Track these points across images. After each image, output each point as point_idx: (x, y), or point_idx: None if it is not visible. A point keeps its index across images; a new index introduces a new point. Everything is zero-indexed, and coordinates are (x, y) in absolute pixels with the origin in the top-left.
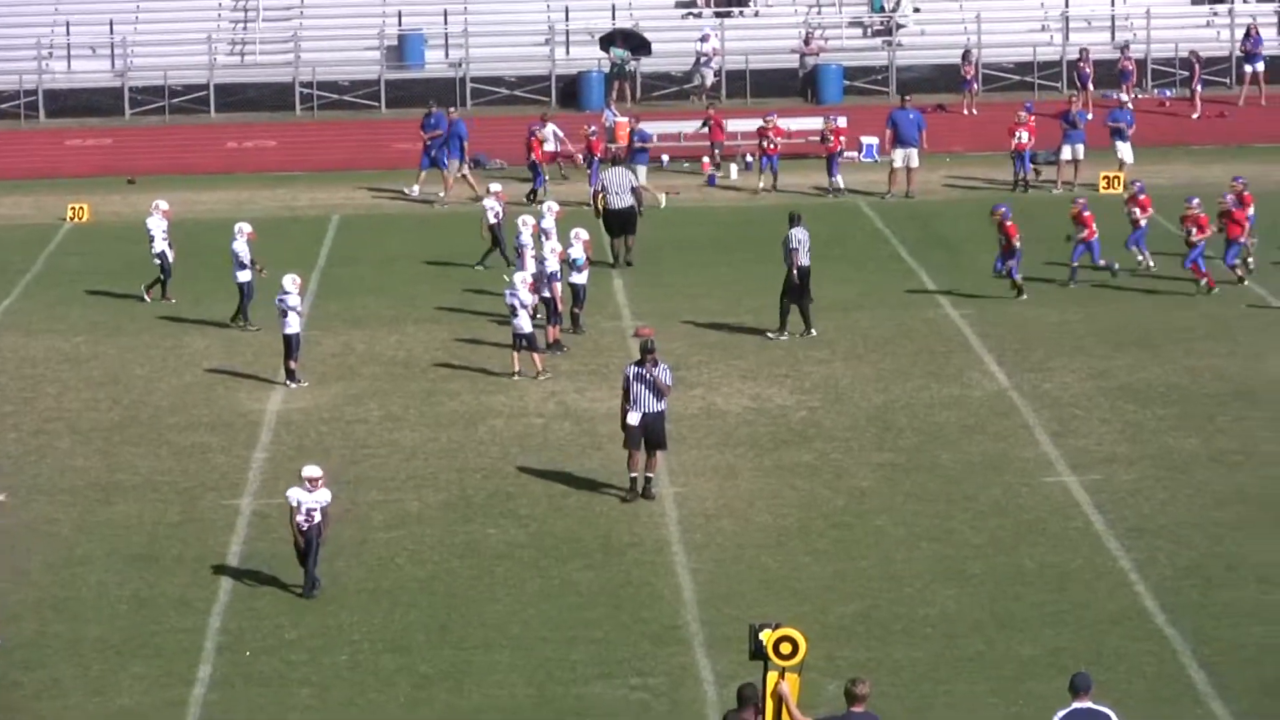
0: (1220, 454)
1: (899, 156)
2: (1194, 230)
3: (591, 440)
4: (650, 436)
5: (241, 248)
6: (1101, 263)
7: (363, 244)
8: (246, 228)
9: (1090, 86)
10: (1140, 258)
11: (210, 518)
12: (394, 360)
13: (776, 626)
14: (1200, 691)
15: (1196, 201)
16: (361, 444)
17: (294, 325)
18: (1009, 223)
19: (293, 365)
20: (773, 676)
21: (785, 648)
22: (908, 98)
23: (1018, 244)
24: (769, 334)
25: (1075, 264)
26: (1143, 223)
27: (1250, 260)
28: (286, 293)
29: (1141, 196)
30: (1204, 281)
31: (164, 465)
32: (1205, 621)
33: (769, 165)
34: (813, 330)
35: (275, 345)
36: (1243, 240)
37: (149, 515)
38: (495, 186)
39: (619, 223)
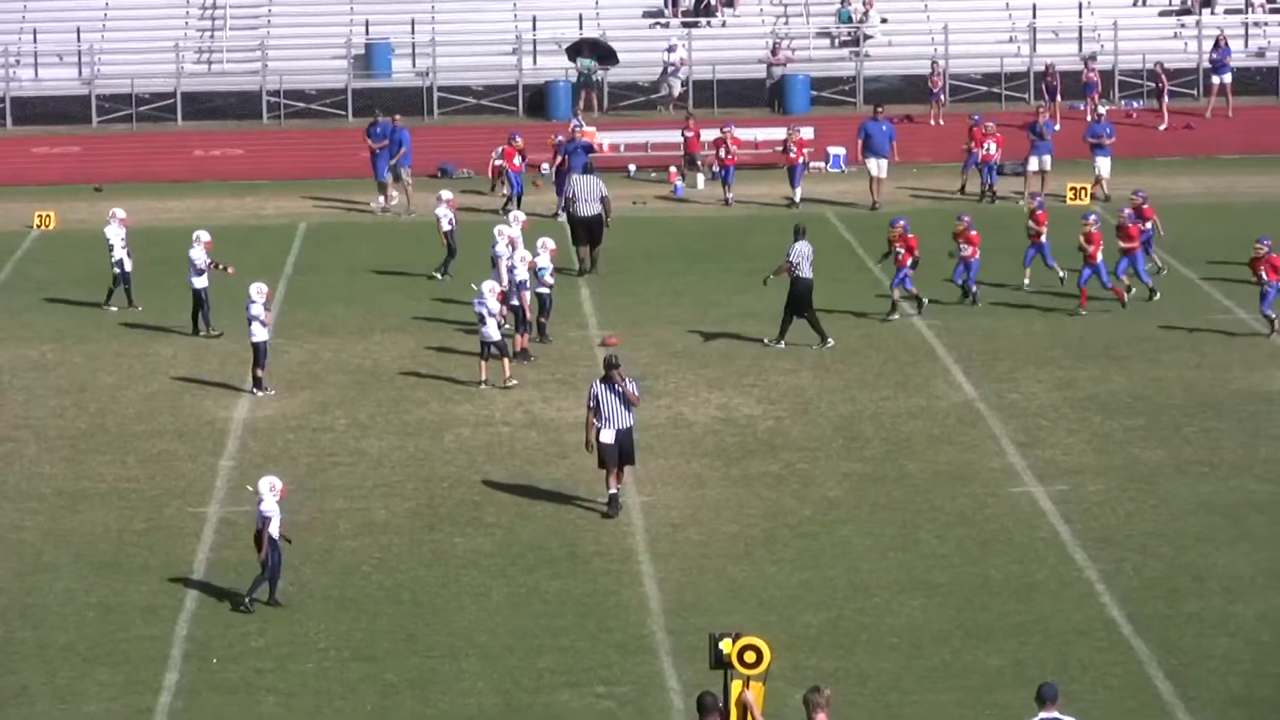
0: (1186, 465)
1: (873, 165)
2: (1091, 248)
3: (558, 449)
4: (623, 453)
5: (199, 255)
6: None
7: (330, 252)
8: (205, 236)
9: (1058, 98)
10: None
11: (177, 525)
12: (361, 369)
13: (736, 636)
14: (1166, 702)
15: (1093, 218)
16: (328, 452)
17: (260, 334)
18: (910, 235)
19: (260, 373)
20: (737, 685)
21: (750, 656)
22: (880, 109)
23: (917, 255)
24: (766, 340)
25: (959, 283)
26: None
27: (1161, 271)
28: (253, 301)
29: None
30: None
31: (131, 473)
32: (1171, 632)
33: (724, 176)
34: (829, 340)
35: (243, 353)
36: (1137, 253)
37: (115, 523)
38: (446, 195)
39: (586, 230)
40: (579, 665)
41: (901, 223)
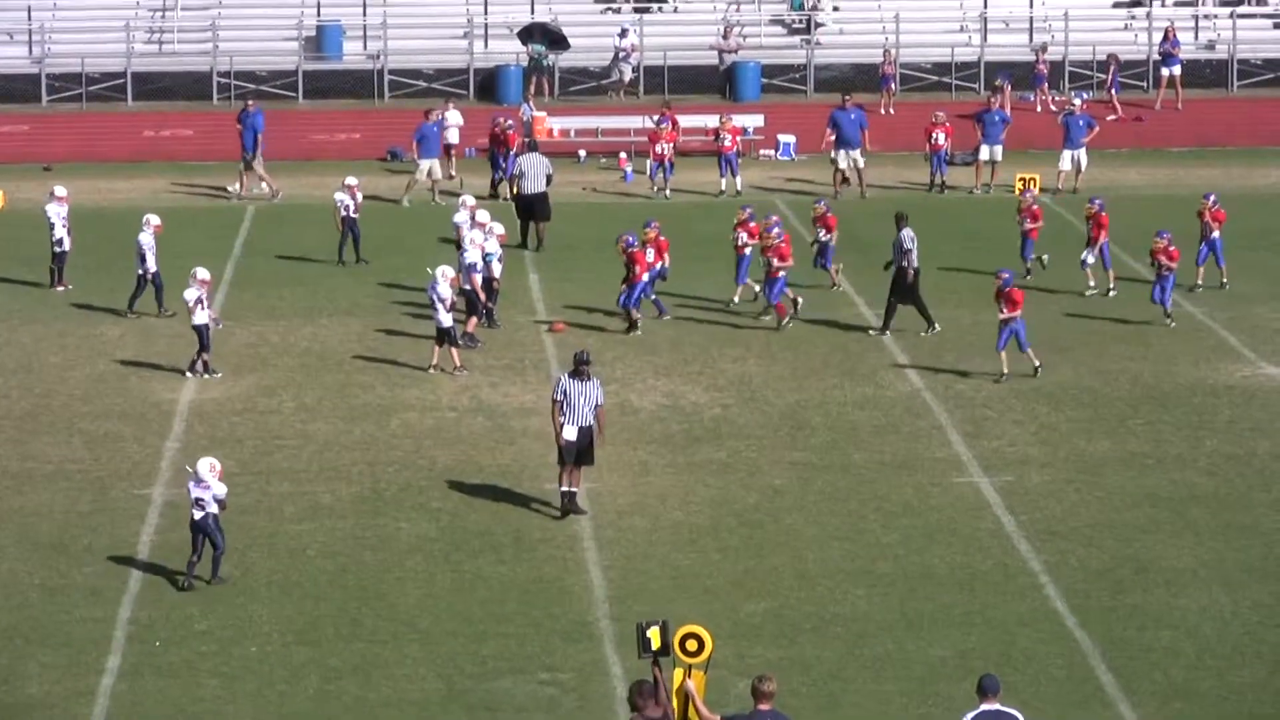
0: (1131, 457)
1: (842, 158)
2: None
3: (505, 435)
4: (581, 451)
5: (147, 240)
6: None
7: (279, 235)
8: (154, 219)
9: (1007, 87)
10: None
11: (122, 507)
12: (308, 352)
13: (664, 625)
14: (1109, 694)
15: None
16: (274, 435)
17: (201, 317)
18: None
19: (206, 357)
20: (679, 674)
21: (691, 645)
22: (848, 96)
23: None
24: (871, 331)
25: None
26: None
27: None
28: (190, 285)
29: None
30: None
31: (76, 454)
32: (1114, 624)
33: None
34: (936, 325)
35: (190, 336)
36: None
37: (60, 504)
38: (351, 180)
39: (530, 208)
40: (522, 652)
41: (824, 203)
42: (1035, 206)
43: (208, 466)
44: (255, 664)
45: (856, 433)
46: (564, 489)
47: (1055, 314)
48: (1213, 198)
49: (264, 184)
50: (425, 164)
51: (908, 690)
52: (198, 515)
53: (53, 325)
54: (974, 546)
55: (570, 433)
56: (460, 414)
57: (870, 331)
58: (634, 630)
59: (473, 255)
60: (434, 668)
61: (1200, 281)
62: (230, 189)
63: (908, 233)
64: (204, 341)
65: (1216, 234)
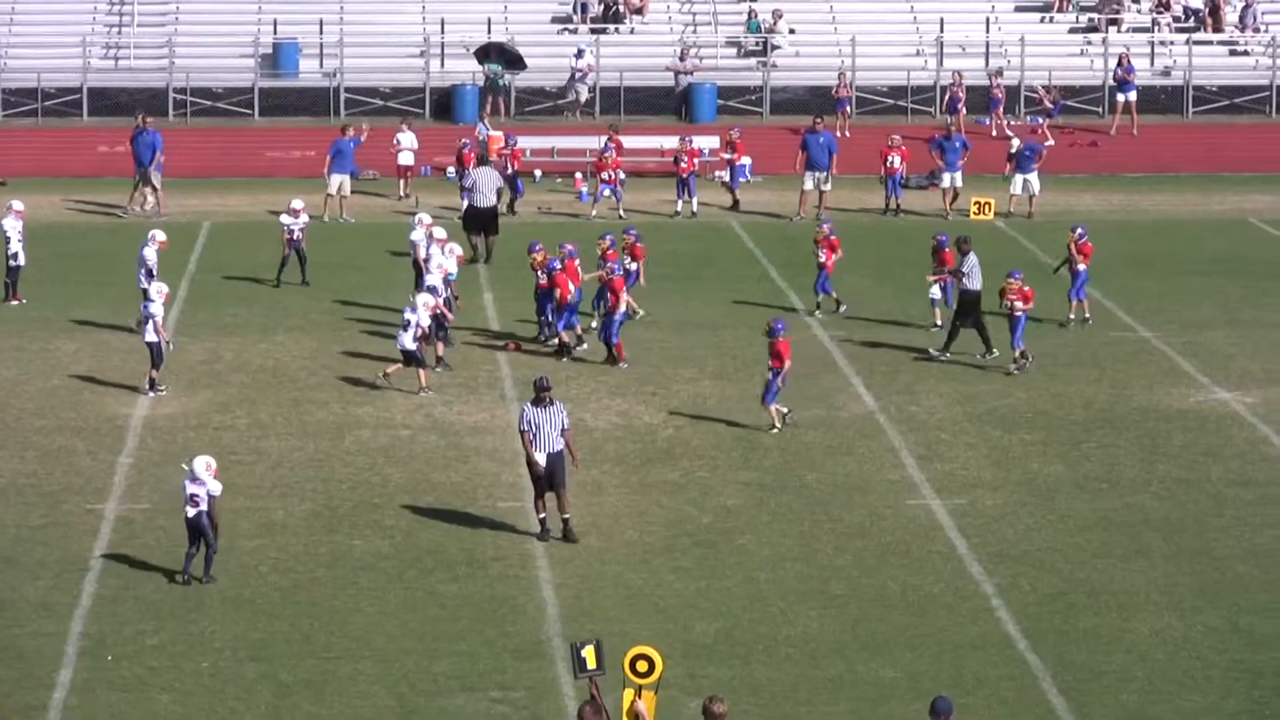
0: (1085, 480)
1: (809, 179)
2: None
3: (458, 453)
4: (554, 475)
5: (150, 255)
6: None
7: (233, 252)
8: (160, 235)
9: (963, 111)
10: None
11: (74, 522)
12: (262, 369)
13: (598, 644)
14: (1060, 717)
15: (1080, 231)
16: (228, 451)
17: (152, 334)
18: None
19: (155, 374)
20: (629, 694)
21: (642, 665)
22: (819, 120)
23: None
24: (933, 351)
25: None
26: (1081, 268)
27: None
28: (151, 300)
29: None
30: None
31: (28, 468)
32: (1066, 648)
33: (612, 189)
34: (994, 350)
35: (144, 351)
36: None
37: (11, 517)
38: (297, 203)
39: (480, 221)
40: (475, 669)
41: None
42: (832, 238)
43: (204, 465)
44: (207, 680)
45: (810, 454)
46: (541, 515)
47: (1008, 337)
48: (1080, 230)
49: (149, 201)
50: (335, 179)
51: (859, 711)
52: (191, 513)
53: (6, 339)
54: (926, 569)
55: (541, 458)
56: (414, 432)
57: (932, 351)
58: (569, 651)
59: (434, 279)
60: (386, 685)
61: (1073, 316)
62: (133, 208)
63: (972, 258)
64: (155, 358)
65: (1083, 267)
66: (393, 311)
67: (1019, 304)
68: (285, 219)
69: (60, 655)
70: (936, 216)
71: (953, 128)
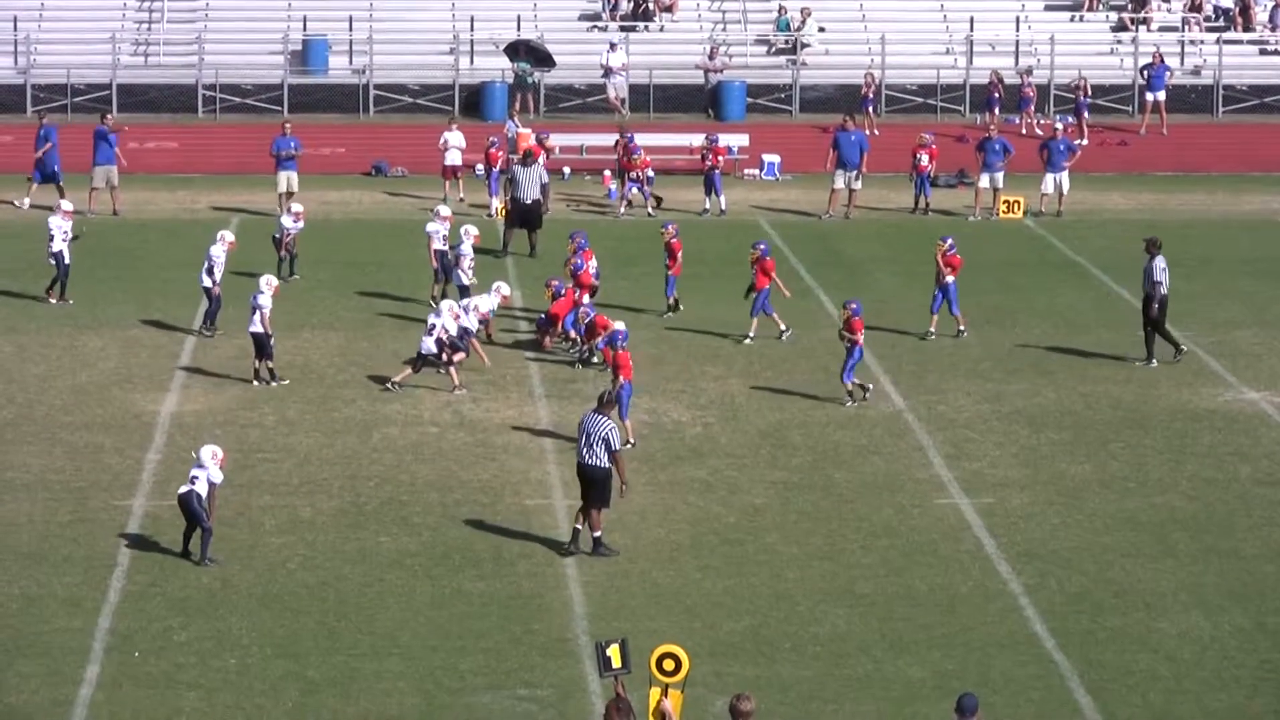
0: (1112, 480)
1: (839, 178)
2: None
3: (486, 450)
4: (591, 488)
5: (218, 253)
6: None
7: (262, 248)
8: (229, 235)
9: (997, 111)
10: None
11: (102, 518)
12: (290, 365)
13: (624, 643)
14: (1087, 717)
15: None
16: (255, 448)
17: (257, 325)
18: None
19: (268, 364)
20: (655, 693)
21: (669, 664)
22: (849, 118)
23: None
24: (1138, 363)
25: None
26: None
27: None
28: (260, 291)
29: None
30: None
31: (56, 464)
32: (1093, 647)
33: (639, 187)
34: (1183, 348)
35: (171, 347)
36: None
37: (40, 514)
38: (298, 206)
39: (523, 216)
40: (501, 667)
41: (950, 240)
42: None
43: (210, 453)
44: (234, 676)
45: (838, 453)
46: (577, 527)
47: (1039, 335)
48: (949, 241)
49: (88, 207)
50: (283, 176)
51: (886, 710)
52: (183, 490)
53: (35, 336)
54: (954, 568)
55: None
56: (442, 429)
57: (1137, 363)
58: (594, 649)
59: (465, 279)
60: (413, 682)
61: (934, 330)
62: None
63: (1159, 261)
64: (261, 349)
65: (951, 279)
66: (420, 305)
67: (848, 335)
68: (286, 221)
69: (87, 651)
70: (959, 217)
71: (993, 129)
